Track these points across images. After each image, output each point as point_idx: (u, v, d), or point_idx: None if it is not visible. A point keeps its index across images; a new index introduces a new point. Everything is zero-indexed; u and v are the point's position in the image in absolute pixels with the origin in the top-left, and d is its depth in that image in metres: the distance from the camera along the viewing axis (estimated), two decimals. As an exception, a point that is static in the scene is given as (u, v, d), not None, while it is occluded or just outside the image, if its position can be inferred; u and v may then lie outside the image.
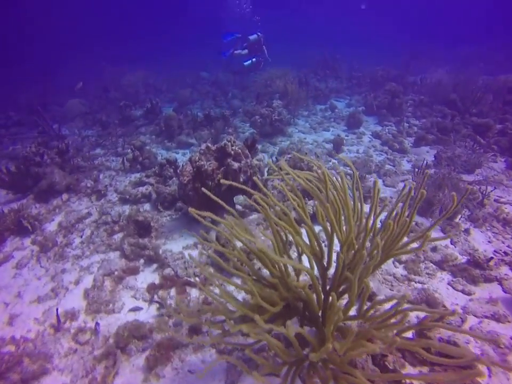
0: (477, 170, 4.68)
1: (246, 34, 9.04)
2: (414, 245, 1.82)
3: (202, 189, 1.93)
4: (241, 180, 3.38)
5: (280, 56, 13.09)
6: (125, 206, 4.47)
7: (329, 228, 1.86)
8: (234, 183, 1.75)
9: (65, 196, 4.60)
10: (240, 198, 4.19)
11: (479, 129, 5.78)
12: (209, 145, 3.58)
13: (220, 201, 2.00)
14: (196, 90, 11.58)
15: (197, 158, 3.33)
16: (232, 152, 3.27)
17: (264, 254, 1.36)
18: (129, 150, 5.49)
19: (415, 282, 2.62)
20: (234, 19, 12.02)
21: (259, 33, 8.98)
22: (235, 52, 9.01)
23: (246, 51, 8.89)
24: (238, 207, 4.23)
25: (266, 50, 9.16)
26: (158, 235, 3.74)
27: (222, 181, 1.73)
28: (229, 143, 3.29)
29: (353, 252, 2.05)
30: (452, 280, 2.58)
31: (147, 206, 4.41)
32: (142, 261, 3.33)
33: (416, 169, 4.27)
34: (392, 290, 2.60)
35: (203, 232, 2.12)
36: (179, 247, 3.52)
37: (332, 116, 8.05)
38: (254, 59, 9.10)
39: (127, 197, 4.51)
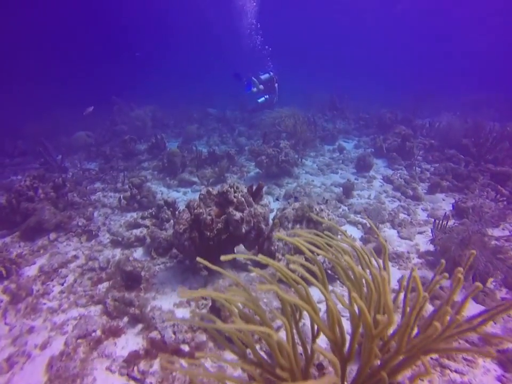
0: (502, 224, 4.29)
1: (257, 73, 9.12)
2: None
3: (198, 258, 1.59)
4: (243, 230, 3.02)
5: (288, 93, 13.31)
6: (116, 250, 4.10)
7: (356, 312, 1.47)
8: (239, 256, 1.41)
9: (53, 235, 4.26)
10: (242, 248, 3.82)
11: (497, 178, 5.46)
12: (210, 189, 3.27)
13: (226, 272, 1.64)
14: (202, 126, 11.64)
15: (195, 204, 3.00)
16: (235, 200, 2.95)
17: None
18: (127, 187, 5.22)
19: (451, 371, 2.14)
20: (246, 52, 12.36)
21: (271, 72, 9.06)
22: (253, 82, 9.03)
23: (262, 86, 8.94)
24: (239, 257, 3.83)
25: (277, 89, 9.24)
26: (148, 287, 3.33)
27: (222, 257, 1.39)
28: (231, 190, 2.98)
29: (381, 342, 1.64)
30: (503, 376, 2.07)
31: (140, 251, 4.03)
32: (126, 319, 2.89)
33: (437, 221, 3.90)
34: (422, 381, 2.12)
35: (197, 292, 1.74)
36: (170, 304, 3.09)
37: (340, 157, 7.84)
38: (267, 96, 9.15)
39: (120, 239, 4.15)
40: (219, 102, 15.47)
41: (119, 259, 3.47)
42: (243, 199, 2.94)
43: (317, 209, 3.44)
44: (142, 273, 3.47)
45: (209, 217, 2.91)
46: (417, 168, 6.84)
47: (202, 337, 2.67)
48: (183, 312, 2.99)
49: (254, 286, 2.92)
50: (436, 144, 7.75)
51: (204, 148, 8.89)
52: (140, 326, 2.82)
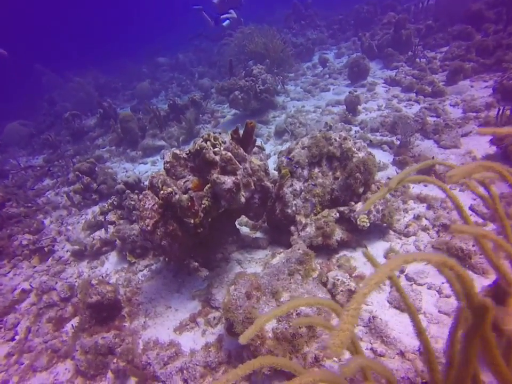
0: None
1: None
2: None
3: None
4: (242, 199, 1.93)
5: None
6: (82, 264, 3.05)
7: None
8: None
9: (-8, 269, 3.14)
10: (244, 219, 2.78)
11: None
12: (177, 151, 2.10)
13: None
14: (156, 79, 9.86)
15: (159, 181, 1.86)
16: (217, 158, 1.80)
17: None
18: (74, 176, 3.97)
19: None
20: None
21: None
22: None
23: (228, 22, 7.31)
24: (245, 229, 2.82)
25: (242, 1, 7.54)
26: (133, 311, 2.34)
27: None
28: (208, 144, 1.81)
29: None
30: None
31: (113, 258, 2.97)
32: (110, 375, 1.95)
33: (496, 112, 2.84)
34: None
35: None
36: (169, 330, 2.13)
37: (326, 71, 6.48)
38: (230, 14, 7.50)
39: (83, 249, 3.07)
40: (167, 48, 13.27)
41: (81, 284, 2.40)
42: (229, 153, 1.79)
43: (338, 139, 2.33)
44: (121, 293, 2.47)
45: (185, 197, 1.79)
46: (421, 59, 5.59)
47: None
48: (191, 338, 2.04)
49: (282, 276, 1.93)
50: (434, 25, 6.37)
51: (164, 104, 7.37)
52: (132, 381, 1.88)
